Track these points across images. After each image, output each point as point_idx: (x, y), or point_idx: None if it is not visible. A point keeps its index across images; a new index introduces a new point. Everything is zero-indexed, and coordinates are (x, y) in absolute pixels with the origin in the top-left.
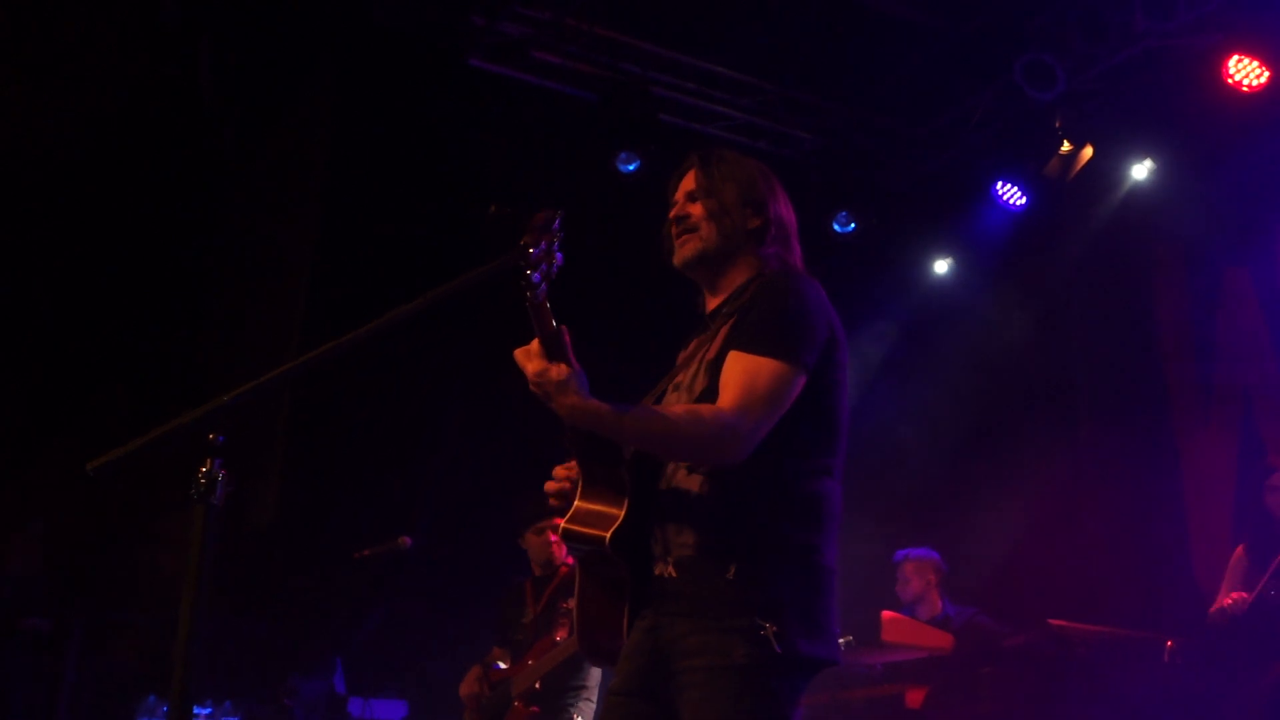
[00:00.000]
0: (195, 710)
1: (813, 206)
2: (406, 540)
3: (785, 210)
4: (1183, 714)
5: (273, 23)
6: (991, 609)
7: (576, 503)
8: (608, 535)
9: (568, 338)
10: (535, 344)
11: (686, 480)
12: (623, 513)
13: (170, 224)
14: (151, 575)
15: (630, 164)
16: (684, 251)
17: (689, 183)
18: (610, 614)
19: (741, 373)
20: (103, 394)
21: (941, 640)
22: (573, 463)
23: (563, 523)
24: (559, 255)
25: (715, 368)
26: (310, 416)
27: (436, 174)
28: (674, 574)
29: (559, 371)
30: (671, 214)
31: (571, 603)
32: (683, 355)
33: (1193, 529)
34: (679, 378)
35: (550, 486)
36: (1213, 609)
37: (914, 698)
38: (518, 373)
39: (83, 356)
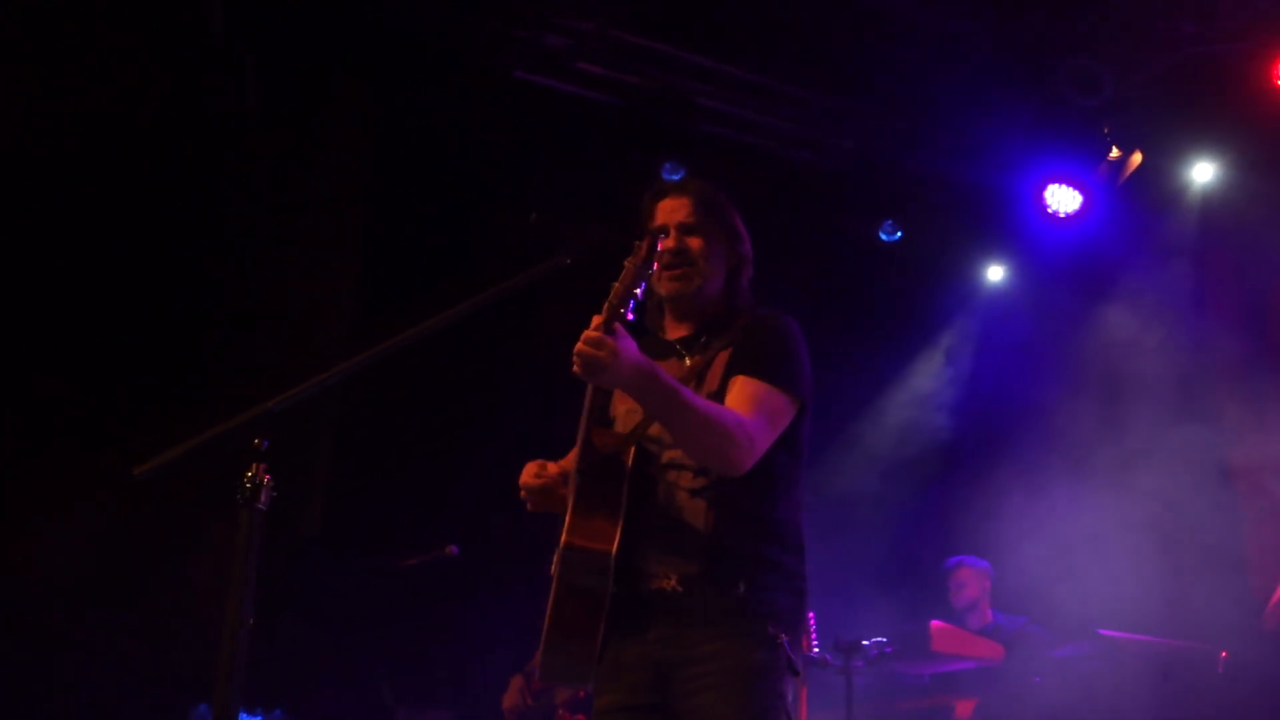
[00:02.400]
0: (243, 718)
1: (856, 216)
2: (453, 549)
3: (748, 242)
4: None
5: (315, 33)
6: (1041, 618)
7: (572, 517)
8: (614, 549)
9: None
10: (592, 331)
11: (690, 503)
12: (619, 530)
13: (213, 232)
14: (196, 583)
15: (676, 174)
16: (682, 286)
17: (680, 211)
18: (584, 629)
19: (755, 395)
20: (141, 398)
21: (992, 650)
22: (542, 462)
23: (564, 538)
24: (645, 283)
25: (718, 398)
26: (356, 426)
27: (479, 184)
28: (679, 589)
29: (611, 344)
30: (668, 245)
31: None
32: None
33: (1249, 539)
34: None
35: (530, 482)
36: (1270, 605)
37: (964, 708)
38: (565, 380)
39: (117, 362)
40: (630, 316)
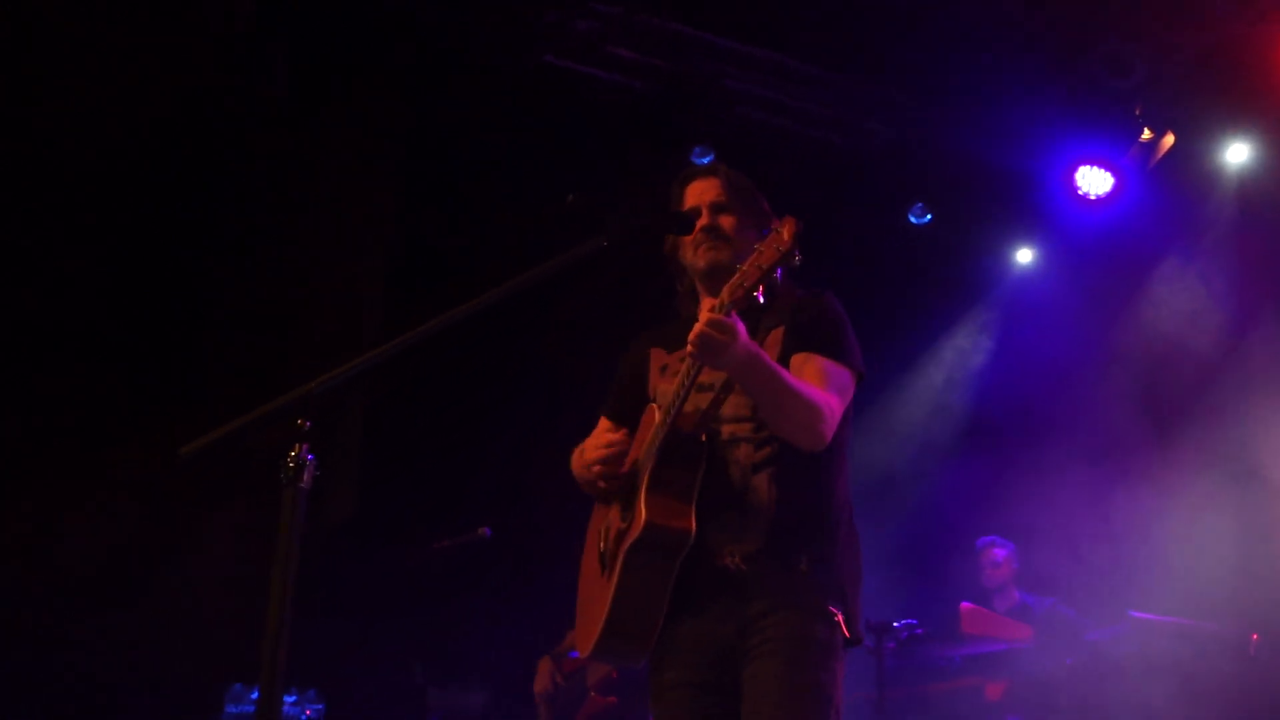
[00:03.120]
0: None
1: (887, 199)
2: (486, 531)
3: None
4: (1269, 709)
5: (343, 23)
6: (1070, 600)
7: (649, 495)
8: (693, 528)
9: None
10: (712, 316)
11: (756, 480)
12: (694, 507)
13: (243, 219)
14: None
15: (705, 158)
16: (718, 256)
17: (710, 192)
18: (650, 607)
19: (827, 372)
20: (177, 380)
21: (1021, 632)
22: (612, 436)
23: (644, 515)
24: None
25: None
26: (388, 409)
27: (509, 170)
28: (743, 566)
29: (734, 332)
30: (704, 222)
31: None
32: (669, 356)
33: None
34: (702, 378)
35: (600, 454)
36: None
37: (994, 690)
38: (598, 360)
39: (151, 345)
40: (761, 299)
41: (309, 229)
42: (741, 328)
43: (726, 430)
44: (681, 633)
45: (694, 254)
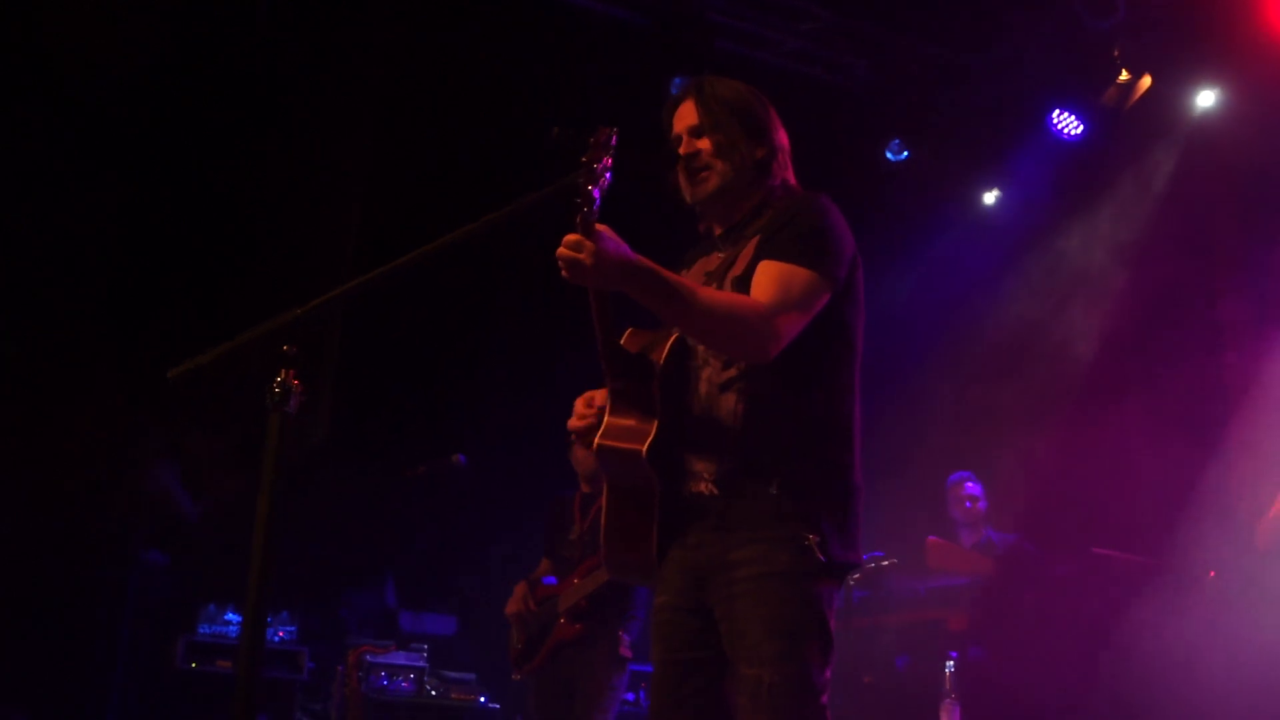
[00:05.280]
0: (234, 617)
1: (866, 134)
2: (460, 458)
3: (783, 134)
4: (1224, 644)
5: None
6: (1034, 537)
7: (607, 419)
8: (644, 448)
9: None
10: (570, 236)
11: (723, 400)
12: (654, 428)
13: (224, 150)
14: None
15: None
16: (702, 189)
17: (688, 115)
18: (638, 530)
19: (775, 277)
20: (160, 310)
21: (984, 566)
22: (591, 395)
23: (597, 439)
24: (609, 174)
25: (743, 284)
26: (363, 334)
27: (489, 97)
28: (715, 491)
29: (589, 246)
30: (681, 151)
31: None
32: (688, 275)
33: (1237, 467)
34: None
35: (575, 424)
36: (1263, 522)
37: (956, 622)
38: (570, 289)
39: (135, 280)
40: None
41: (289, 153)
42: (610, 246)
43: (701, 350)
44: (671, 556)
45: (684, 187)
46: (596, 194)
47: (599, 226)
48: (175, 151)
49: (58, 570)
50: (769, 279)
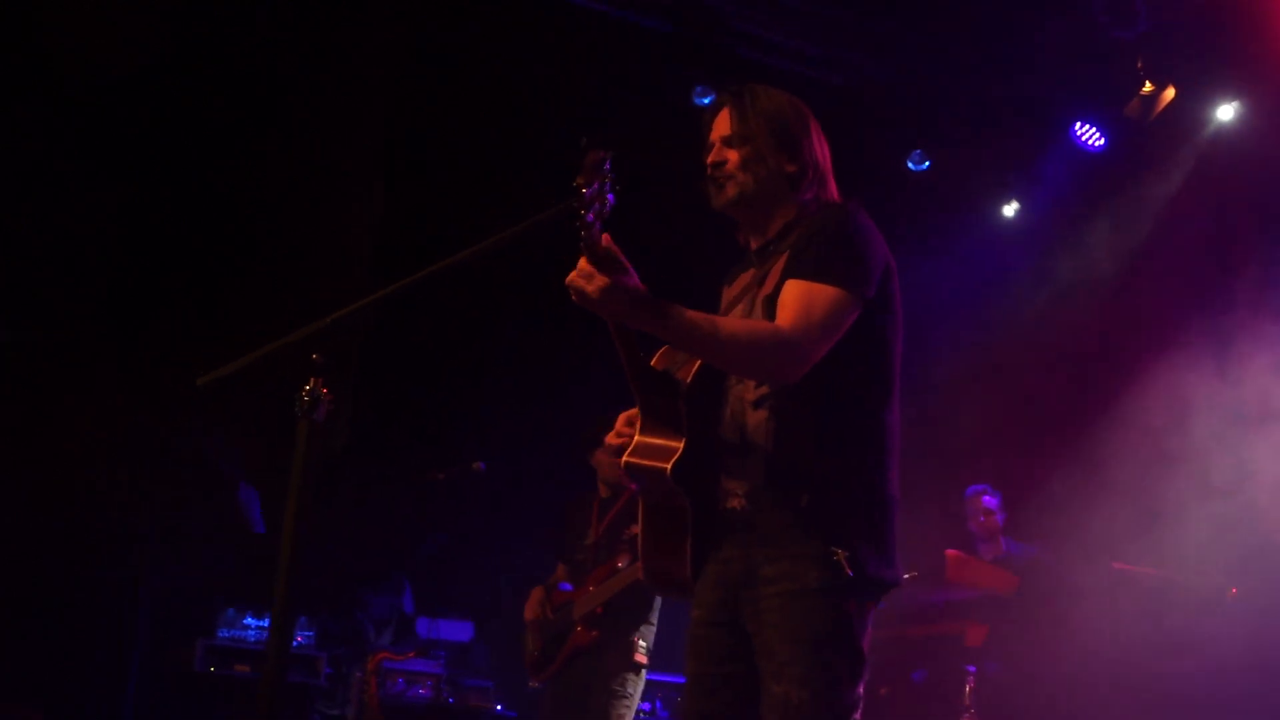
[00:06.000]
0: (251, 621)
1: (884, 142)
2: (480, 465)
3: (820, 149)
4: (1245, 659)
5: None
6: (1054, 549)
7: (637, 436)
8: (669, 466)
9: (621, 256)
10: (582, 263)
11: (753, 415)
12: (682, 445)
13: (224, 148)
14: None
15: (707, 98)
16: (721, 197)
17: (723, 124)
18: (673, 546)
19: (799, 297)
20: (160, 310)
21: (1006, 580)
22: (633, 413)
23: (625, 456)
24: (611, 196)
25: (772, 303)
26: (383, 339)
27: (506, 104)
28: (746, 506)
29: (600, 280)
30: (708, 159)
31: (635, 529)
32: (728, 292)
33: (1260, 480)
34: (733, 313)
35: (613, 440)
36: None
37: (975, 636)
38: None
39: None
40: (597, 228)
41: (299, 161)
42: (622, 280)
43: None
44: (706, 571)
45: (709, 194)
46: (591, 218)
47: (610, 245)
48: (176, 150)
49: (74, 573)
50: (793, 299)
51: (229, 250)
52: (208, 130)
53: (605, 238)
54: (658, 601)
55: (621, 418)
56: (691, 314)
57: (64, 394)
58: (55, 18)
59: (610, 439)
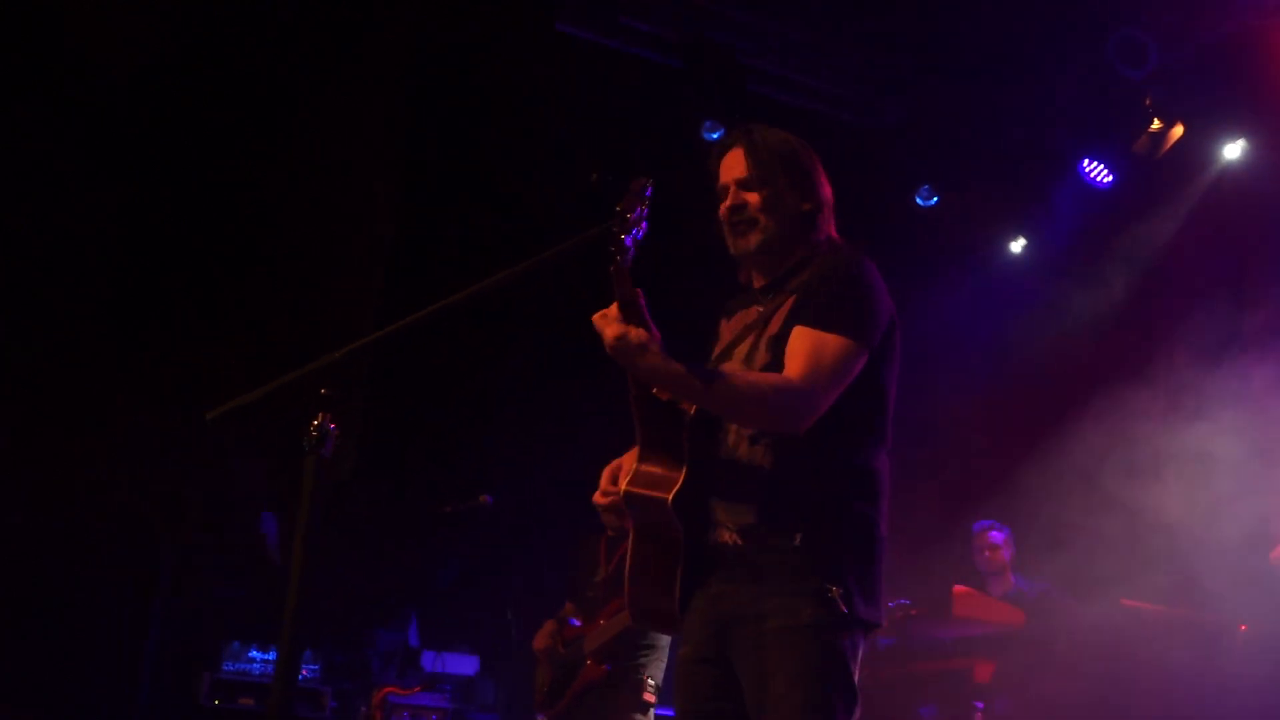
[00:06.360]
0: (256, 654)
1: (894, 178)
2: (488, 498)
3: (827, 187)
4: (1255, 697)
5: None
6: (1063, 585)
7: (637, 466)
8: (670, 496)
9: (644, 301)
10: (614, 308)
11: (750, 451)
12: (682, 475)
13: (225, 149)
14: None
15: (716, 133)
16: (746, 244)
17: (736, 168)
18: (662, 578)
19: (809, 347)
20: (161, 310)
21: (1013, 616)
22: (617, 465)
23: (624, 485)
24: (645, 223)
25: (778, 343)
26: (390, 372)
27: (520, 138)
28: (738, 541)
29: (638, 335)
30: (726, 204)
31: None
32: (728, 326)
33: (1274, 516)
34: (736, 350)
35: (599, 500)
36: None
37: (983, 672)
38: (594, 332)
39: (136, 280)
40: (630, 254)
41: (311, 191)
42: (650, 342)
43: None
44: (693, 606)
45: (727, 239)
46: (629, 242)
47: (639, 297)
48: (177, 150)
49: (82, 604)
50: (802, 348)
51: (233, 252)
52: (206, 130)
53: (638, 292)
54: (668, 637)
55: (606, 474)
56: (701, 374)
57: (64, 395)
58: (63, 17)
59: (597, 499)
